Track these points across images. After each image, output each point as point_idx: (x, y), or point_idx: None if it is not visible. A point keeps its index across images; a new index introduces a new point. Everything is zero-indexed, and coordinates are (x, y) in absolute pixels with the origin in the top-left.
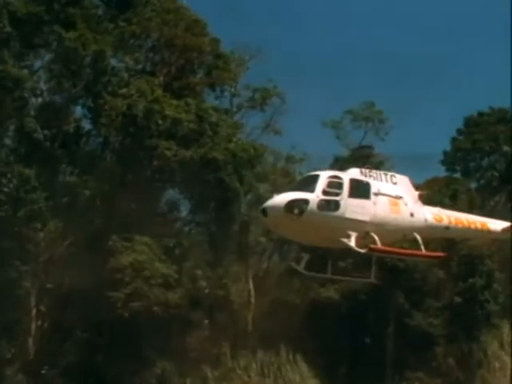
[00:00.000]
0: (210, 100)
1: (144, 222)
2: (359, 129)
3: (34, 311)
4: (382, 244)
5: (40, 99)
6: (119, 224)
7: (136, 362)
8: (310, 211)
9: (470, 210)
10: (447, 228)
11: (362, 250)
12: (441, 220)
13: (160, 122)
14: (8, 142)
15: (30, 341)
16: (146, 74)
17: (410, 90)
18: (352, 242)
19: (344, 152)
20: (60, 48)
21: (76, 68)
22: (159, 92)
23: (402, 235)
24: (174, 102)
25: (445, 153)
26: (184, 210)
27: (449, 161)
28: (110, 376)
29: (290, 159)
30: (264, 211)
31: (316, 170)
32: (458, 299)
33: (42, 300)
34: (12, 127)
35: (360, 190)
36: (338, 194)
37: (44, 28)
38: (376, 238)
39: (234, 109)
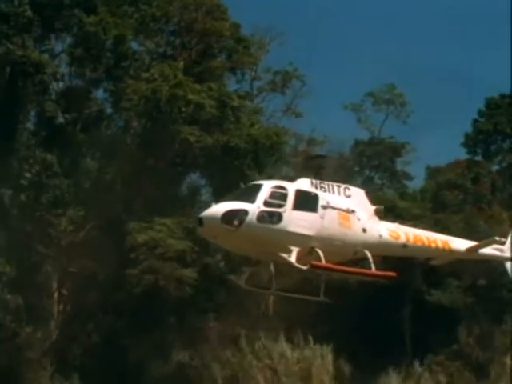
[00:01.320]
0: (231, 84)
1: (165, 205)
2: (380, 112)
3: (55, 295)
4: (333, 261)
5: (61, 83)
6: (140, 208)
7: (157, 344)
8: (248, 223)
9: (492, 192)
10: (404, 246)
11: (304, 267)
12: (397, 237)
13: (183, 107)
14: (29, 126)
15: (53, 324)
16: (167, 58)
17: (430, 73)
18: (292, 258)
19: (365, 135)
20: (81, 32)
21: (97, 52)
22: (182, 76)
23: (353, 252)
24: (197, 86)
25: (466, 135)
26: (205, 194)
27: (470, 143)
28: (131, 358)
29: (311, 142)
30: (200, 221)
31: (336, 153)
32: (482, 281)
33: (63, 284)
34: (33, 112)
35: (306, 202)
36: (281, 206)
37: (64, 12)
38: (321, 254)
39: (255, 92)
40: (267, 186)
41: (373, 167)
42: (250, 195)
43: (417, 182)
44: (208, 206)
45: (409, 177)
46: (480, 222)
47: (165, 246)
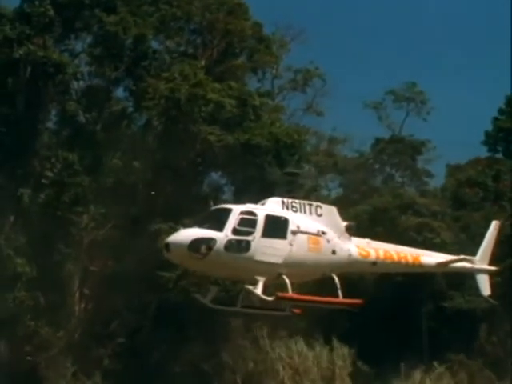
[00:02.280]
0: (252, 83)
1: (187, 205)
2: (401, 109)
3: (77, 294)
4: (299, 283)
5: (81, 83)
6: (162, 207)
7: (179, 343)
8: (216, 252)
9: None
10: (374, 263)
11: (269, 298)
12: (367, 255)
13: (203, 106)
14: (51, 126)
15: (74, 323)
16: (188, 57)
17: (451, 69)
18: (258, 290)
19: (386, 133)
20: (101, 32)
21: (117, 51)
22: (202, 76)
23: (321, 274)
24: (217, 85)
25: (486, 133)
26: (228, 193)
27: (491, 141)
28: (153, 357)
29: (332, 140)
30: (167, 246)
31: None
32: (497, 279)
33: (85, 283)
34: (54, 111)
35: (276, 228)
36: (250, 233)
37: (85, 12)
38: (288, 281)
39: (276, 91)
40: (236, 212)
41: (393, 165)
42: (218, 221)
43: (437, 180)
44: (176, 230)
45: (429, 174)
46: (500, 219)
47: None
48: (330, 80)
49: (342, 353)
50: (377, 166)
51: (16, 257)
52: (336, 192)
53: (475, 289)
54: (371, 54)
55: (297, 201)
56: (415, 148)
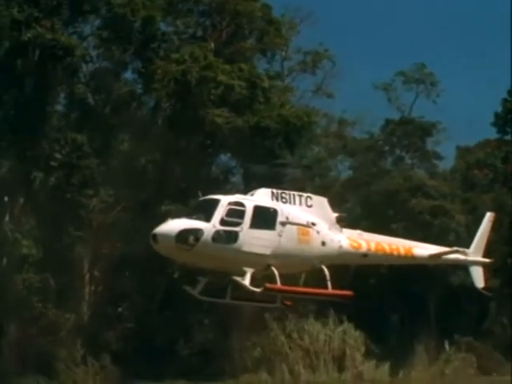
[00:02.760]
0: (261, 64)
1: (196, 187)
2: (410, 91)
3: (87, 276)
4: (289, 275)
5: (90, 65)
6: (171, 189)
7: (188, 326)
8: (203, 243)
9: None
10: (365, 255)
11: (257, 290)
12: (358, 247)
13: (212, 89)
14: (60, 108)
15: (84, 305)
16: (197, 39)
17: (460, 52)
18: (246, 281)
19: (396, 115)
20: (109, 14)
21: (125, 34)
22: (212, 58)
23: (311, 266)
24: (227, 67)
25: (496, 114)
26: (236, 176)
27: (500, 123)
28: (162, 339)
29: (342, 122)
30: (154, 237)
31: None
32: (510, 260)
33: (94, 265)
34: (63, 94)
35: (264, 219)
36: (238, 224)
37: None
38: (276, 272)
39: (285, 72)
40: (224, 203)
41: (403, 147)
42: (206, 211)
43: (447, 162)
44: (164, 221)
45: (439, 156)
46: (509, 201)
47: None
48: (340, 62)
49: (353, 333)
50: (386, 148)
51: (23, 239)
52: (346, 174)
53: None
54: (381, 36)
55: (286, 192)
56: (425, 130)
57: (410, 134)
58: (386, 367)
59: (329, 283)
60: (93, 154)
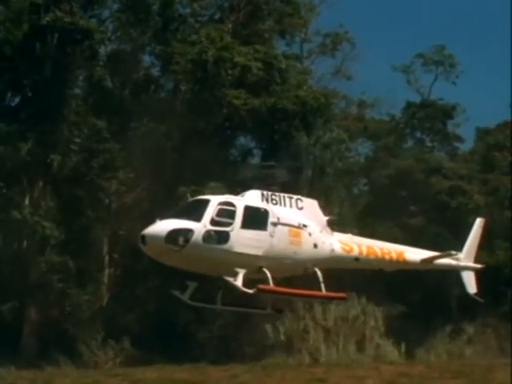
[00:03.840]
0: (280, 46)
1: (215, 169)
2: (429, 73)
3: (106, 258)
4: (281, 278)
5: (109, 48)
6: (190, 171)
7: (207, 308)
8: (193, 243)
9: None
10: (357, 259)
11: (250, 291)
12: (350, 250)
13: (229, 70)
14: (78, 92)
15: (103, 288)
16: (215, 21)
17: (479, 34)
18: (238, 282)
19: (414, 96)
20: None
21: (144, 16)
22: (228, 39)
23: (303, 269)
24: (244, 48)
25: None
26: (255, 157)
27: None
28: (182, 323)
29: (361, 104)
30: (143, 239)
31: (386, 115)
32: None
33: (114, 247)
34: (82, 77)
35: (256, 219)
36: (228, 224)
37: None
38: (269, 274)
39: (304, 55)
40: (214, 203)
41: (424, 129)
42: (196, 212)
43: (466, 144)
44: (153, 222)
45: (460, 139)
46: None
47: None
48: (359, 44)
49: (374, 314)
50: (407, 131)
51: (44, 221)
52: (365, 156)
53: (504, 248)
54: (400, 17)
55: (277, 193)
56: (446, 112)
57: (431, 116)
58: (404, 348)
59: (322, 285)
60: (112, 138)
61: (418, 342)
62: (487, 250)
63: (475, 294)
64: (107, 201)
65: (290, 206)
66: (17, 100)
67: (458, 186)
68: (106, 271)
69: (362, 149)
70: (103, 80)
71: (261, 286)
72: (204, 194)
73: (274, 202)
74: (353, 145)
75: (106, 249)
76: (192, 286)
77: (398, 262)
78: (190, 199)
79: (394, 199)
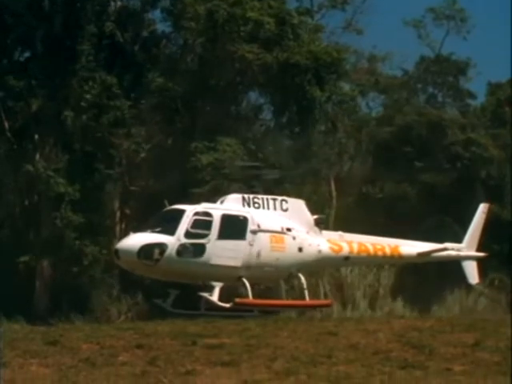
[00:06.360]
0: (291, 2)
1: (227, 124)
2: (441, 28)
3: (118, 214)
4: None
5: (119, 3)
6: (201, 127)
7: None
8: (167, 258)
9: None
10: (347, 258)
11: (227, 305)
12: (339, 250)
13: (242, 26)
14: (89, 48)
15: (115, 243)
16: None
17: None
18: (214, 297)
19: (425, 51)
20: None
21: None
22: None
23: (287, 274)
24: (256, 4)
25: None
26: (267, 112)
27: None
28: None
29: (372, 59)
30: (116, 253)
31: (398, 69)
32: None
33: (126, 203)
34: (92, 33)
35: (233, 228)
36: (204, 236)
37: None
38: (248, 285)
39: (315, 9)
40: (190, 213)
41: (437, 84)
42: (170, 224)
43: (477, 99)
44: (127, 235)
45: (472, 95)
46: None
47: (231, 167)
48: None
49: (388, 272)
50: (419, 86)
51: (58, 177)
52: (377, 111)
53: None
54: None
55: (259, 196)
56: (459, 67)
57: (445, 71)
58: (416, 305)
59: (306, 292)
60: (122, 94)
61: (431, 299)
62: (500, 205)
63: (478, 284)
64: (119, 157)
65: (274, 208)
66: (27, 55)
67: (473, 138)
68: (118, 227)
69: (374, 105)
70: (114, 35)
71: (238, 300)
72: (218, 151)
73: (257, 205)
74: (363, 99)
75: (117, 204)
76: (173, 293)
77: (392, 257)
78: (166, 209)
79: (402, 154)
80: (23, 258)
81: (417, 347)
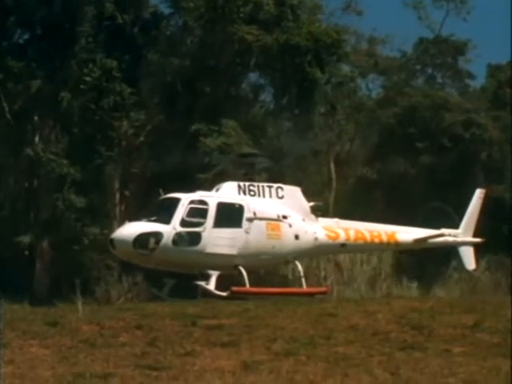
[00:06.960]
0: None
1: (226, 106)
2: (440, 9)
3: (117, 196)
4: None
5: None
6: (201, 108)
7: None
8: (162, 247)
9: None
10: (343, 245)
11: (223, 294)
12: (336, 237)
13: (241, 7)
14: (88, 29)
15: (115, 224)
16: None
17: None
18: (211, 285)
19: (425, 33)
20: None
21: None
22: None
23: (284, 262)
24: None
25: None
26: (267, 94)
27: None
28: None
29: (371, 41)
30: (112, 243)
31: (398, 51)
32: None
33: (126, 185)
34: (91, 14)
35: (229, 216)
36: (200, 224)
37: None
38: (244, 273)
39: None
40: (185, 202)
41: (436, 66)
42: (166, 212)
43: (477, 81)
44: (122, 224)
45: (471, 76)
46: None
47: (237, 150)
48: None
49: (389, 254)
50: (418, 67)
51: (59, 158)
52: (376, 92)
53: None
54: None
55: (255, 184)
56: (458, 48)
57: (443, 53)
58: (415, 285)
59: (303, 280)
60: (122, 77)
61: (432, 280)
62: (504, 185)
63: (474, 270)
64: (118, 139)
65: (270, 195)
66: (26, 37)
67: (472, 118)
68: (117, 208)
69: (374, 87)
70: (113, 17)
71: (234, 289)
72: (219, 134)
73: (252, 193)
74: (363, 80)
75: (117, 186)
76: (170, 282)
77: (389, 244)
78: (161, 197)
79: (404, 136)
80: (23, 239)
81: (416, 328)
